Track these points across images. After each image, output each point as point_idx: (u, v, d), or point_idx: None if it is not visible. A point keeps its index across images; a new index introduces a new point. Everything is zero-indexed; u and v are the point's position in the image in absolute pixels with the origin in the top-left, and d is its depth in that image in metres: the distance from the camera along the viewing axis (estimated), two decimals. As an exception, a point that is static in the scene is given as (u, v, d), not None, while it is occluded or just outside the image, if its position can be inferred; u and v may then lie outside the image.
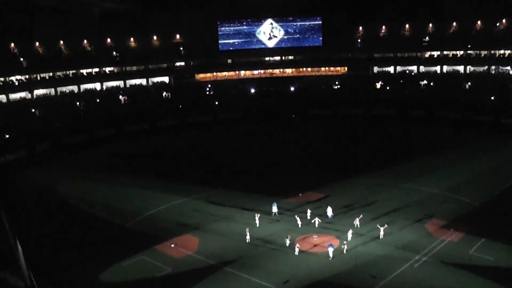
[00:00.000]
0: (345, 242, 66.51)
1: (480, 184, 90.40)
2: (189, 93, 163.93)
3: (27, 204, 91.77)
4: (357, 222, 72.84)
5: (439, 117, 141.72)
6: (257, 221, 74.44)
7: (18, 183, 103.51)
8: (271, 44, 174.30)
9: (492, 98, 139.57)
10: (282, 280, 60.22)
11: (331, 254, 64.40)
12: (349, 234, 68.30)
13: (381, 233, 69.11)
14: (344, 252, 65.25)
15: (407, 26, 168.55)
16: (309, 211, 76.24)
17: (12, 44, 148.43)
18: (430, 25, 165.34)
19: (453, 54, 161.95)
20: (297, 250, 65.44)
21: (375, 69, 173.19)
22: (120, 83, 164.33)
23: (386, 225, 69.97)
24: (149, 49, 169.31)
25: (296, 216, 74.72)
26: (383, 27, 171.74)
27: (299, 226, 73.49)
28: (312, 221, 73.92)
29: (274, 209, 79.09)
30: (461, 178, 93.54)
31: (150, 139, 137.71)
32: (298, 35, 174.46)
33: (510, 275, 59.15)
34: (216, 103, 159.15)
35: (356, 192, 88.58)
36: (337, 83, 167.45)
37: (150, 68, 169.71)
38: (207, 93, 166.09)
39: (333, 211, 77.15)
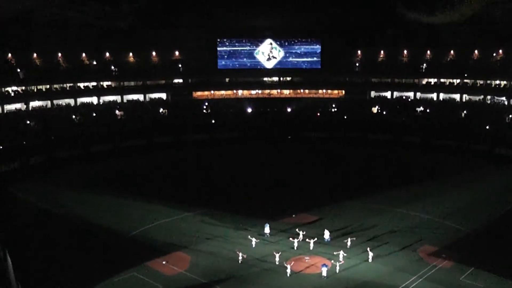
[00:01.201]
0: (336, 263, 66.52)
1: (474, 211, 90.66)
2: (186, 110, 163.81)
3: (18, 217, 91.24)
4: (348, 243, 73.14)
5: (435, 144, 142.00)
6: (253, 243, 74.29)
7: (10, 195, 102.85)
8: (269, 65, 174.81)
9: (488, 127, 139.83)
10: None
11: (325, 274, 64.60)
12: (341, 256, 68.32)
13: (370, 256, 69.46)
14: (337, 272, 65.55)
15: (405, 52, 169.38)
16: (301, 233, 76.21)
17: (10, 55, 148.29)
18: (428, 52, 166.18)
19: (449, 82, 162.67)
20: (289, 271, 65.34)
21: (372, 93, 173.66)
22: (117, 98, 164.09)
23: (370, 253, 70.20)
24: (147, 65, 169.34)
25: (294, 239, 74.56)
26: (382, 52, 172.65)
27: (295, 248, 73.43)
28: (312, 244, 73.91)
29: (267, 230, 79.03)
30: (454, 205, 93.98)
31: (146, 155, 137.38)
32: (297, 57, 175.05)
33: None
34: (213, 121, 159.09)
35: (349, 215, 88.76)
36: (334, 106, 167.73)
37: (148, 84, 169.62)
38: (204, 111, 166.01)
39: (330, 234, 77.09)
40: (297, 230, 77.10)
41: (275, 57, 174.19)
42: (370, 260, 69.21)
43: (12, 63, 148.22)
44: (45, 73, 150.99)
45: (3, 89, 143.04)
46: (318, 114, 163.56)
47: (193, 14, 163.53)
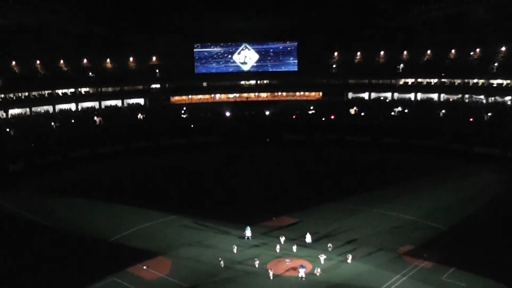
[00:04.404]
0: (317, 266, 66.58)
1: (453, 211, 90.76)
2: (164, 115, 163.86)
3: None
4: (329, 246, 73.15)
5: (413, 144, 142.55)
6: (234, 250, 73.94)
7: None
8: (246, 68, 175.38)
9: (466, 126, 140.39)
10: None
11: (303, 274, 64.78)
12: (322, 258, 68.45)
13: (350, 257, 69.52)
14: (318, 274, 65.34)
15: (382, 53, 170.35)
16: (282, 238, 76.31)
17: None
18: (405, 52, 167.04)
19: (427, 82, 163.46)
20: (270, 274, 65.39)
21: (350, 95, 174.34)
22: (95, 104, 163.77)
23: (351, 254, 70.40)
24: (125, 71, 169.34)
25: (276, 245, 74.28)
26: (359, 53, 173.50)
27: (277, 251, 73.37)
28: (293, 247, 73.91)
29: (248, 233, 78.83)
30: (434, 204, 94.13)
31: (125, 161, 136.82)
32: (274, 60, 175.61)
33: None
34: (191, 126, 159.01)
35: (329, 217, 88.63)
36: (311, 108, 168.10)
37: (126, 90, 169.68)
38: (182, 116, 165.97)
39: (311, 236, 77.00)
40: (280, 237, 76.77)
41: (251, 61, 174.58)
42: (350, 261, 69.22)
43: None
44: (24, 80, 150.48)
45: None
46: (294, 116, 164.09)
47: (170, 19, 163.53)
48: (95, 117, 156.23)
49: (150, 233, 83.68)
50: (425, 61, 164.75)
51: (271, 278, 65.25)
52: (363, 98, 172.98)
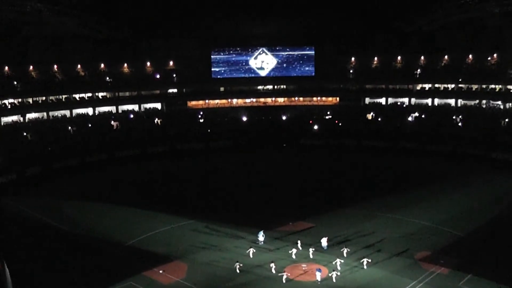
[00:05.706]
0: (333, 270, 66.34)
1: (470, 217, 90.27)
2: (181, 120, 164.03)
3: (15, 228, 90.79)
4: (345, 251, 72.93)
5: (430, 149, 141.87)
6: (250, 254, 73.84)
7: (6, 207, 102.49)
8: (263, 73, 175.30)
9: (483, 132, 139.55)
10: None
11: (319, 278, 64.75)
12: (338, 263, 68.26)
13: (366, 263, 69.18)
14: (333, 280, 65.12)
15: (399, 58, 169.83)
16: (299, 242, 76.22)
17: (6, 68, 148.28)
18: (422, 57, 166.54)
19: (444, 87, 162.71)
20: (285, 278, 65.35)
21: (367, 100, 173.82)
22: (112, 108, 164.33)
23: (366, 260, 70.02)
24: (142, 75, 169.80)
25: (293, 250, 74.11)
26: (375, 58, 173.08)
27: (293, 256, 73.14)
28: (309, 252, 73.68)
29: (261, 237, 78.91)
30: (451, 210, 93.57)
31: (141, 165, 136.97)
32: (290, 65, 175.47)
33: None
34: (208, 130, 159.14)
35: (346, 222, 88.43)
36: (328, 113, 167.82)
37: (143, 94, 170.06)
38: (199, 120, 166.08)
39: (327, 241, 76.83)
40: (296, 242, 76.70)
41: (268, 66, 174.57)
42: (366, 266, 69.03)
43: (8, 75, 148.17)
44: (41, 85, 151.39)
45: (0, 101, 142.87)
46: (311, 121, 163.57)
47: (187, 24, 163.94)
48: (112, 122, 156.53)
49: (167, 237, 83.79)
50: (443, 66, 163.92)
51: (285, 282, 65.22)
52: (380, 103, 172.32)
